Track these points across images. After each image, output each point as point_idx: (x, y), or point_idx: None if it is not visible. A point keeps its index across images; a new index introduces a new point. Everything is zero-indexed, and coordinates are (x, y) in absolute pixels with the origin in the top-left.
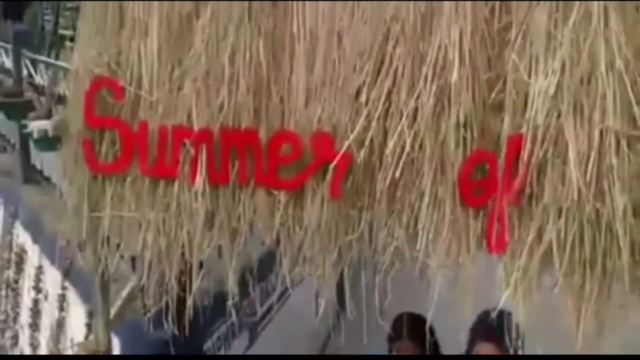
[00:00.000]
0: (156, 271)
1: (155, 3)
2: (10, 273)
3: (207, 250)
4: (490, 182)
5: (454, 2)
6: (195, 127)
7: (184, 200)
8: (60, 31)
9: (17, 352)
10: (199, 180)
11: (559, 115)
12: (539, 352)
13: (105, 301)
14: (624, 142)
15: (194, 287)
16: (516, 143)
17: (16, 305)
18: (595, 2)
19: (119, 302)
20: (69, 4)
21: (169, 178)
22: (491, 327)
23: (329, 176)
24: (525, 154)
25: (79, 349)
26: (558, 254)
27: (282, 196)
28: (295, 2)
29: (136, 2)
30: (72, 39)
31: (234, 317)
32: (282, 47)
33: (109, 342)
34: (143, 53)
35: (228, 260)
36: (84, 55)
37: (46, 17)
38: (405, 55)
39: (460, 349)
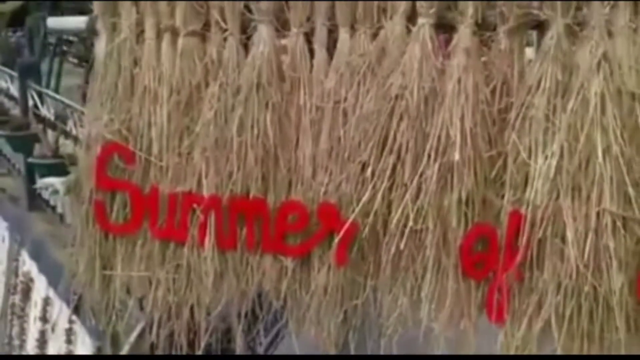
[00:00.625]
0: (165, 328)
1: (166, 70)
2: (17, 300)
3: (216, 311)
4: (491, 256)
5: (456, 83)
6: (205, 194)
7: (193, 262)
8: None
9: None
10: (208, 245)
11: (557, 197)
12: None
13: (114, 348)
14: (620, 224)
15: (202, 344)
16: (516, 220)
17: (22, 332)
18: (593, 90)
19: (127, 347)
20: None
21: (178, 241)
22: None
23: (334, 244)
24: (524, 233)
25: None
26: (557, 327)
27: (289, 262)
28: (301, 77)
29: (146, 69)
30: (75, 56)
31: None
32: (288, 119)
33: None
34: (153, 120)
35: (235, 319)
36: (96, 118)
37: (49, 29)
38: (409, 133)
39: None
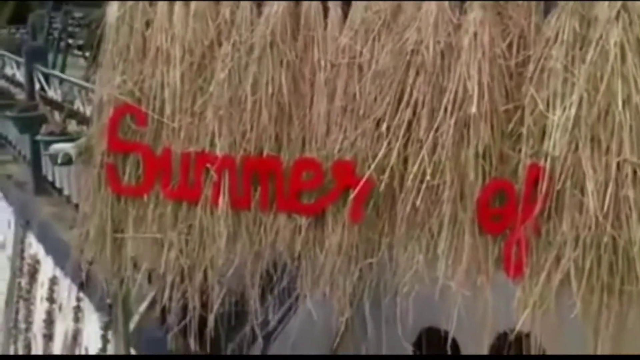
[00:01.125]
0: (178, 291)
1: (179, 31)
2: (23, 282)
3: (229, 272)
4: (508, 210)
5: (472, 37)
6: (218, 154)
7: (206, 223)
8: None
9: None
10: (222, 205)
11: (576, 148)
12: None
13: (125, 317)
14: None
15: (215, 307)
16: (534, 173)
17: (29, 314)
18: (612, 41)
19: (136, 317)
20: (76, 14)
21: (191, 202)
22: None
23: (349, 201)
24: (543, 185)
25: None
26: (576, 280)
27: (303, 220)
28: (315, 33)
29: (158, 30)
30: (79, 48)
31: (256, 325)
32: (303, 77)
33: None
34: (166, 81)
35: (249, 280)
36: (108, 81)
37: (54, 25)
38: (425, 87)
39: None
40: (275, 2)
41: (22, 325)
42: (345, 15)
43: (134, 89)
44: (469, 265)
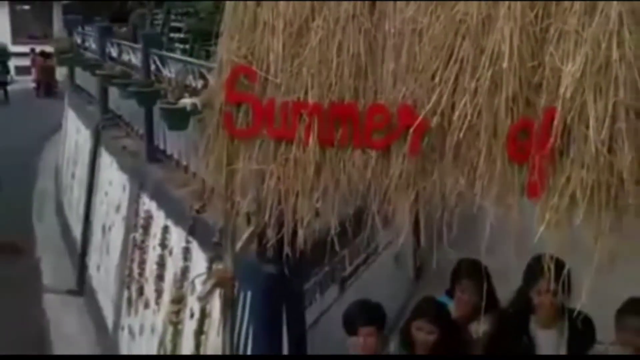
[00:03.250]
0: (276, 210)
1: (281, 8)
2: (137, 235)
3: (316, 195)
4: (530, 143)
5: (506, 9)
6: (310, 102)
7: (299, 156)
8: (171, 34)
9: (142, 301)
10: (311, 142)
11: (582, 92)
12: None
13: (233, 238)
14: (631, 112)
15: (305, 222)
16: (550, 113)
17: (142, 262)
18: (613, 5)
19: (239, 244)
20: (180, 9)
21: (288, 140)
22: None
23: (409, 138)
24: (557, 121)
25: (208, 276)
26: (581, 196)
27: (373, 154)
28: (387, 8)
29: (266, 8)
30: (180, 41)
31: (336, 255)
32: (376, 42)
33: (234, 271)
34: (271, 47)
35: (330, 205)
36: (227, 47)
37: (156, 22)
38: (469, 48)
39: (511, 288)
40: None
41: (136, 271)
42: None
43: (247, 53)
44: (500, 188)
